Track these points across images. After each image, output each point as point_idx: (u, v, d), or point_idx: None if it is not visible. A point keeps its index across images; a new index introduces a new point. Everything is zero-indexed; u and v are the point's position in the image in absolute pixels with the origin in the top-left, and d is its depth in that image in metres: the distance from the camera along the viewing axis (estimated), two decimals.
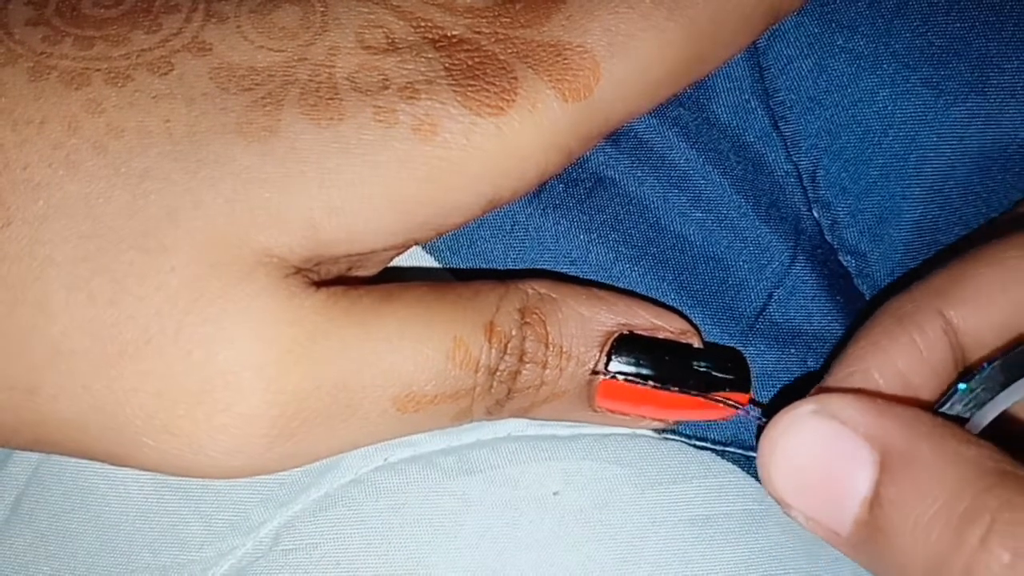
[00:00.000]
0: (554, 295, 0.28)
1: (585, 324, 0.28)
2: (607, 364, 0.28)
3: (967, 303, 0.27)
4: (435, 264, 0.31)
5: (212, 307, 0.24)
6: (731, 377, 0.29)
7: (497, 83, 0.25)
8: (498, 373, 0.27)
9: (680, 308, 0.31)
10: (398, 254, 0.28)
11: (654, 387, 0.28)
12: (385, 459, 0.30)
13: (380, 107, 0.25)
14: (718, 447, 0.31)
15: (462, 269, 0.31)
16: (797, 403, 0.26)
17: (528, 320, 0.27)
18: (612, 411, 0.28)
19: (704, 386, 0.28)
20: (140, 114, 0.24)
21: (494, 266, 0.31)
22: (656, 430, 0.30)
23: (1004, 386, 0.26)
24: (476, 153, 0.25)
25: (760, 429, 0.26)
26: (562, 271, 0.31)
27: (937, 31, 0.31)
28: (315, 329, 0.25)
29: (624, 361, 0.28)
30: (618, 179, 0.31)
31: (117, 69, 0.25)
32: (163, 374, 0.24)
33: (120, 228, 0.24)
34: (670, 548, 0.30)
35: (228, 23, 0.26)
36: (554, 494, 0.30)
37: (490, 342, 0.26)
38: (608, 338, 0.28)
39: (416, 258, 0.31)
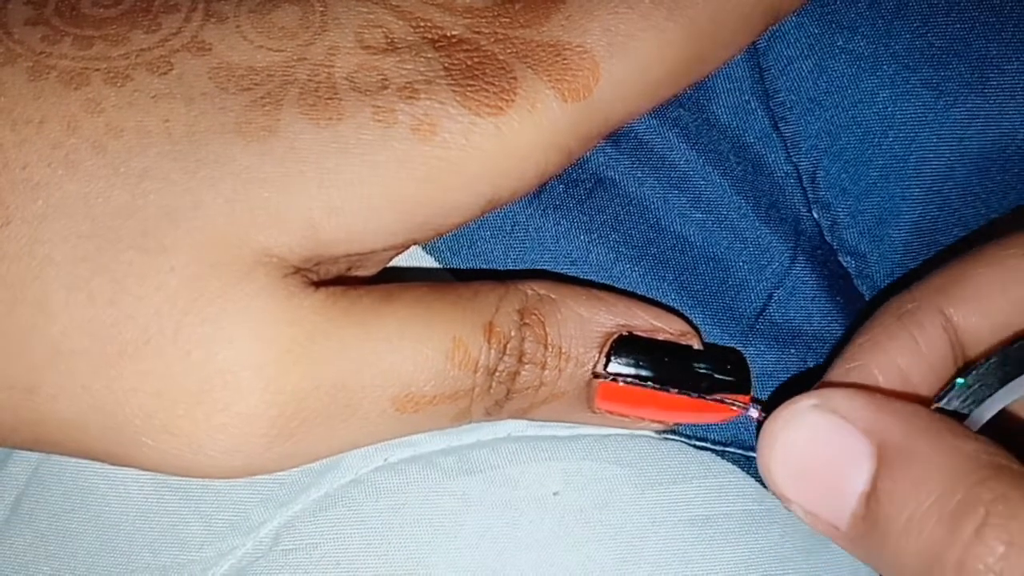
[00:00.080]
0: (553, 296, 0.28)
1: (584, 325, 0.28)
2: (606, 365, 0.28)
3: (967, 302, 0.27)
4: (435, 264, 0.31)
5: (211, 307, 0.24)
6: (731, 378, 0.29)
7: (496, 83, 0.25)
8: (497, 374, 0.27)
9: (680, 308, 0.31)
10: (397, 254, 0.28)
11: (653, 389, 0.28)
12: (385, 459, 0.30)
13: (379, 107, 0.25)
14: (718, 447, 0.31)
15: (462, 269, 0.31)
16: (797, 397, 0.26)
17: (527, 321, 0.27)
18: (611, 412, 0.28)
19: (704, 387, 0.28)
20: (139, 114, 0.24)
21: (494, 267, 0.31)
22: (656, 430, 0.30)
23: (1002, 381, 0.26)
24: (475, 153, 0.25)
25: (760, 425, 0.27)
26: (562, 272, 0.31)
27: (937, 32, 0.31)
28: (314, 329, 0.25)
29: (623, 362, 0.28)
30: (618, 180, 0.31)
31: (116, 69, 0.25)
32: (162, 374, 0.24)
33: (119, 228, 0.24)
34: (670, 548, 0.30)
35: (227, 23, 0.26)
36: (554, 494, 0.30)
37: (489, 343, 0.26)
38: (607, 339, 0.28)
39: (416, 258, 0.31)
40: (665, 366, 0.28)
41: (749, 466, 0.31)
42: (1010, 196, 0.31)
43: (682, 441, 0.31)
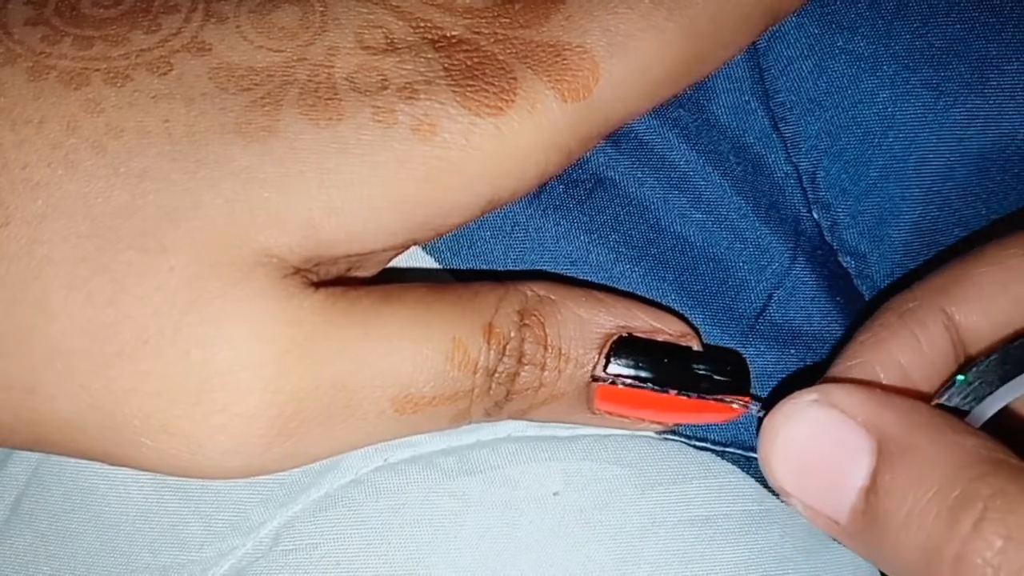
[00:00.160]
0: (553, 297, 0.28)
1: (584, 326, 0.28)
2: (606, 366, 0.28)
3: (969, 301, 0.27)
4: (435, 265, 0.31)
5: (211, 307, 0.24)
6: (730, 379, 0.29)
7: (496, 83, 0.25)
8: (496, 375, 0.27)
9: (680, 309, 0.31)
10: (397, 254, 0.28)
11: (653, 390, 0.28)
12: (385, 459, 0.30)
13: (379, 107, 0.25)
14: (718, 448, 0.31)
15: (462, 270, 0.31)
16: (798, 392, 0.26)
17: (527, 322, 0.27)
18: (611, 413, 0.28)
19: (703, 388, 0.28)
20: (139, 114, 0.24)
21: (494, 267, 0.31)
22: (656, 431, 0.30)
23: (1003, 379, 0.26)
24: (475, 153, 0.25)
25: (761, 422, 0.27)
26: (562, 272, 0.31)
27: (937, 33, 0.31)
28: (314, 329, 0.25)
29: (623, 364, 0.28)
30: (618, 180, 0.31)
31: (116, 69, 0.25)
32: (161, 374, 0.24)
33: (119, 228, 0.24)
34: (670, 548, 0.30)
35: (227, 23, 0.26)
36: (554, 494, 0.30)
37: (489, 343, 0.26)
38: (607, 340, 0.28)
39: (416, 259, 0.31)
40: (665, 367, 0.28)
41: (749, 466, 0.31)
42: (1010, 196, 0.31)
43: (682, 441, 0.31)
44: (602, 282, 0.31)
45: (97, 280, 0.24)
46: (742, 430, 0.30)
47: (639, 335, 0.28)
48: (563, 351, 0.27)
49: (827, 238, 0.32)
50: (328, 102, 0.25)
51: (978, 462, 0.23)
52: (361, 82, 0.25)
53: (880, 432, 0.25)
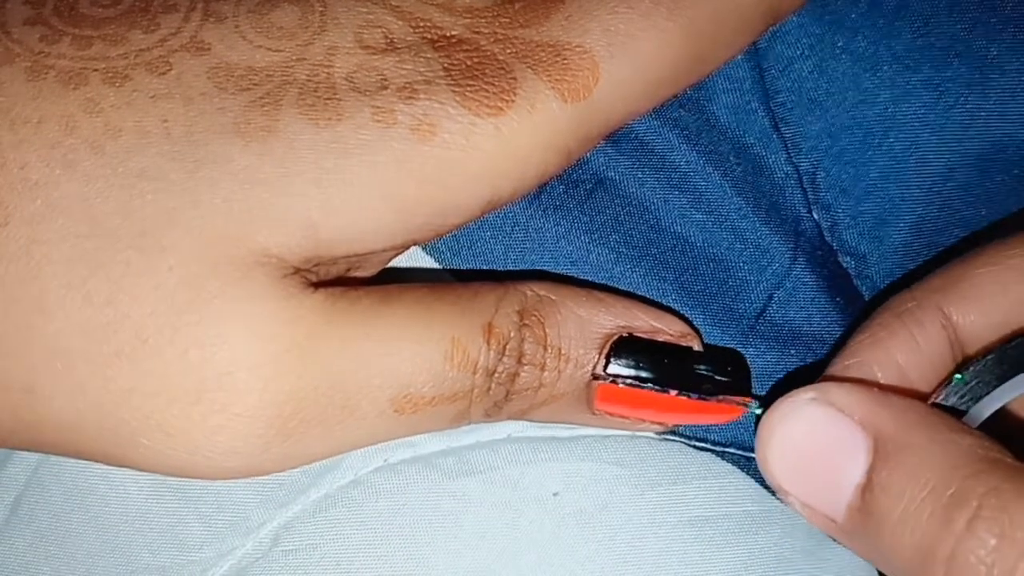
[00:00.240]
0: (553, 297, 0.28)
1: (584, 326, 0.28)
2: (606, 367, 0.28)
3: (967, 301, 0.27)
4: (435, 265, 0.31)
5: (209, 307, 0.24)
6: (731, 380, 0.29)
7: (496, 83, 0.25)
8: (496, 375, 0.27)
9: (680, 309, 0.31)
10: (397, 255, 0.28)
11: (653, 390, 0.28)
12: (385, 460, 0.30)
13: (379, 107, 0.25)
14: (718, 448, 0.31)
15: (462, 270, 0.31)
16: (796, 391, 0.26)
17: (527, 322, 0.27)
18: (611, 414, 0.28)
19: (704, 389, 0.28)
20: (138, 114, 0.24)
21: (494, 267, 0.31)
22: (656, 431, 0.30)
23: (1000, 379, 0.26)
24: (475, 153, 0.25)
25: (759, 420, 0.27)
26: (563, 272, 0.31)
27: (938, 32, 0.31)
28: (313, 330, 0.25)
29: (623, 364, 0.28)
30: (619, 180, 0.31)
31: (115, 69, 0.25)
32: (160, 374, 0.24)
33: (117, 228, 0.24)
34: (670, 549, 0.30)
35: (226, 23, 0.26)
36: (554, 495, 0.30)
37: (488, 344, 0.26)
38: (607, 340, 0.28)
39: (416, 259, 0.31)
40: (665, 367, 0.28)
41: (749, 467, 0.31)
42: (1011, 197, 0.31)
43: (682, 442, 0.31)
44: (602, 282, 0.31)
45: (95, 280, 0.24)
46: (742, 431, 0.30)
47: (639, 335, 0.28)
48: (563, 351, 0.27)
49: (827, 238, 0.32)
50: (327, 102, 0.25)
51: (973, 461, 0.23)
52: (361, 82, 0.25)
53: (877, 430, 0.25)
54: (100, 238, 0.24)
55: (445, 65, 0.26)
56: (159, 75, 0.25)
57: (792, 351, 0.31)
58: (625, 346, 0.28)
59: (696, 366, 0.29)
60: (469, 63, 0.26)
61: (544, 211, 0.31)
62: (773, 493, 0.30)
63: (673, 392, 0.28)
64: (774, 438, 0.26)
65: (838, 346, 0.29)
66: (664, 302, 0.31)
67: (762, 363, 0.31)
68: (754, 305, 0.31)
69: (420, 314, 0.26)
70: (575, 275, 0.31)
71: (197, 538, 0.30)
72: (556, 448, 0.30)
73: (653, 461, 0.30)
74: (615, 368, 0.28)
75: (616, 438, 0.30)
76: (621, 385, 0.28)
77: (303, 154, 0.24)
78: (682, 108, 0.31)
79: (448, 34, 0.26)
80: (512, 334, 0.27)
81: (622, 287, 0.31)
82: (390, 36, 0.26)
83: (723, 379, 0.29)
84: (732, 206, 0.31)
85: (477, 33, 0.26)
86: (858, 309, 0.31)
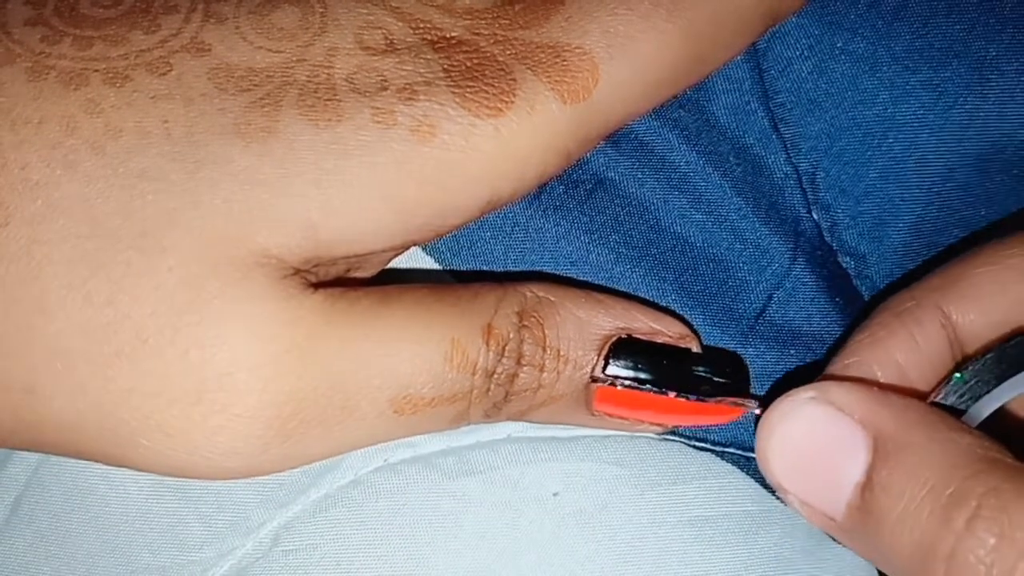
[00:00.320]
0: (552, 298, 0.28)
1: (583, 327, 0.28)
2: (605, 368, 0.28)
3: (966, 300, 0.27)
4: (435, 266, 0.31)
5: (210, 307, 0.24)
6: (730, 381, 0.29)
7: (496, 84, 0.25)
8: (495, 376, 0.27)
9: (680, 309, 0.31)
10: (396, 255, 0.28)
11: (652, 391, 0.28)
12: (385, 460, 0.30)
13: (378, 108, 0.25)
14: (718, 448, 0.31)
15: (462, 271, 0.31)
16: (796, 390, 0.26)
17: (526, 323, 0.27)
18: (610, 415, 0.28)
19: (703, 390, 0.28)
20: (138, 114, 0.24)
21: (494, 267, 0.31)
22: (655, 432, 0.30)
23: (1000, 378, 0.26)
24: (475, 154, 0.25)
25: (758, 420, 0.27)
26: (563, 272, 0.31)
27: (937, 33, 0.31)
28: (313, 330, 0.25)
29: (622, 365, 0.28)
30: (619, 181, 0.31)
31: (115, 69, 0.25)
32: (160, 374, 0.24)
33: (118, 228, 0.24)
34: (669, 549, 0.30)
35: (227, 23, 0.26)
36: (554, 495, 0.30)
37: (488, 345, 0.26)
38: (606, 342, 0.28)
39: (416, 259, 0.31)
40: (664, 369, 0.28)
41: (749, 467, 0.31)
42: (1010, 197, 0.31)
43: (682, 442, 0.31)
44: (602, 282, 0.31)
45: (96, 280, 0.24)
46: (742, 431, 0.30)
47: (638, 336, 0.28)
48: (562, 352, 0.27)
49: (827, 239, 0.32)
50: (327, 103, 0.25)
51: (972, 460, 0.23)
52: (361, 83, 0.25)
53: (876, 429, 0.25)
54: (101, 238, 0.24)
55: (445, 66, 0.26)
56: (160, 76, 0.25)
57: (792, 351, 0.31)
58: (624, 347, 0.28)
59: (695, 367, 0.29)
60: (469, 64, 0.26)
61: (544, 211, 0.31)
62: (773, 493, 0.30)
63: (672, 394, 0.28)
64: (774, 437, 0.26)
65: (838, 346, 0.29)
66: (664, 302, 0.31)
67: (762, 363, 0.31)
68: (754, 305, 0.31)
69: (420, 315, 0.26)
70: (575, 275, 0.31)
71: (197, 538, 0.30)
72: (556, 448, 0.30)
73: (653, 461, 0.30)
74: (614, 369, 0.28)
75: (616, 438, 0.30)
76: (620, 386, 0.28)
77: (303, 155, 0.24)
78: (682, 108, 0.31)
79: (448, 35, 0.26)
80: (511, 335, 0.27)
81: (622, 287, 0.31)
82: (390, 37, 0.26)
83: (722, 380, 0.29)
84: (732, 206, 0.31)
85: (477, 34, 0.26)
86: (858, 309, 0.31)
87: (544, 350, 0.27)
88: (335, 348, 0.25)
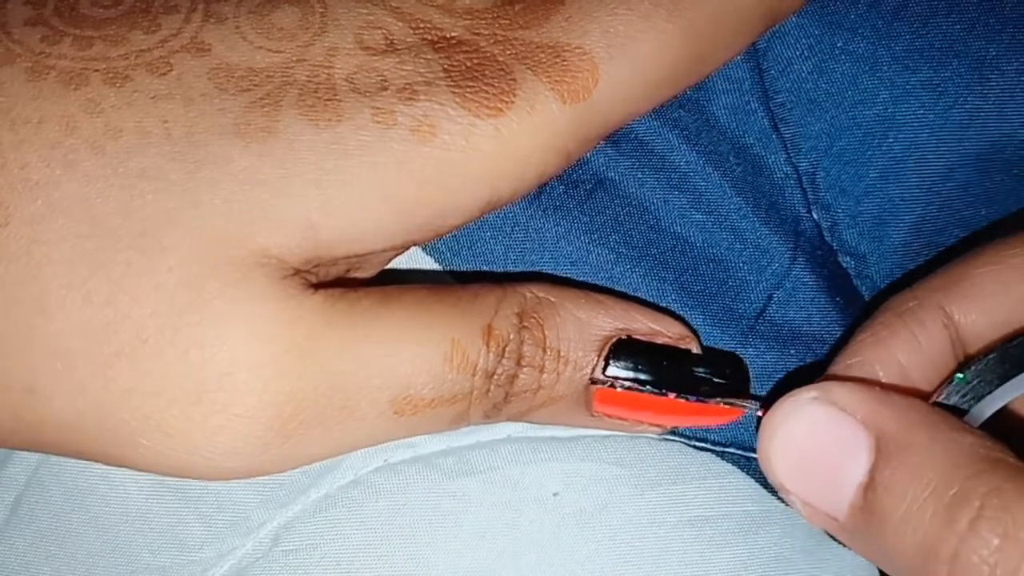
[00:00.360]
0: (552, 299, 0.28)
1: (583, 328, 0.28)
2: (604, 369, 0.28)
3: (969, 300, 0.27)
4: (435, 266, 0.31)
5: (210, 307, 0.24)
6: (729, 382, 0.29)
7: (496, 84, 0.25)
8: (495, 377, 0.27)
9: (680, 309, 0.31)
10: (397, 255, 0.28)
11: (652, 392, 0.28)
12: (385, 460, 0.30)
13: (379, 108, 0.25)
14: (718, 448, 0.31)
15: (462, 271, 0.31)
16: (798, 390, 0.26)
17: (526, 324, 0.27)
18: (610, 416, 0.28)
19: (702, 391, 0.28)
20: (138, 114, 0.24)
21: (494, 268, 0.31)
22: (655, 433, 0.30)
23: (1002, 378, 0.26)
24: (475, 154, 0.25)
25: (760, 421, 0.27)
26: (563, 272, 0.31)
27: (937, 33, 0.31)
28: (313, 331, 0.25)
29: (622, 366, 0.28)
30: (619, 181, 0.31)
31: (116, 69, 0.25)
32: (160, 374, 0.24)
33: (118, 228, 0.24)
34: (669, 549, 0.30)
35: (227, 23, 0.26)
36: (554, 495, 0.30)
37: (488, 345, 0.26)
38: (606, 343, 0.28)
39: (416, 259, 0.31)
40: (663, 370, 0.28)
41: (749, 467, 0.31)
42: (1011, 197, 0.31)
43: (682, 442, 0.31)
44: (602, 282, 0.31)
45: (96, 280, 0.24)
46: (742, 431, 0.30)
47: (638, 337, 0.28)
48: (562, 353, 0.27)
49: (827, 238, 0.32)
50: (328, 103, 0.25)
51: (975, 460, 0.23)
52: (361, 83, 0.25)
53: (879, 429, 0.25)
54: (100, 238, 0.24)
55: (445, 66, 0.26)
56: (160, 76, 0.25)
57: (792, 351, 0.31)
58: (624, 348, 0.28)
59: (694, 368, 0.29)
60: (469, 64, 0.26)
61: (544, 211, 0.31)
62: (773, 493, 0.30)
63: (671, 395, 0.28)
64: (776, 437, 0.26)
65: (839, 346, 0.29)
66: (664, 302, 0.31)
67: (762, 363, 0.31)
68: (754, 305, 0.31)
69: (420, 315, 0.26)
70: (575, 275, 0.31)
71: (197, 538, 0.30)
72: (556, 448, 0.30)
73: (653, 461, 0.30)
74: (614, 370, 0.28)
75: (616, 438, 0.30)
76: (619, 388, 0.28)
77: (303, 155, 0.24)
78: (682, 108, 0.31)
79: (448, 35, 0.26)
80: (511, 336, 0.27)
81: (622, 287, 0.31)
82: (390, 37, 0.26)
83: (721, 381, 0.29)
84: (732, 206, 0.31)
85: (477, 34, 0.26)
86: (858, 309, 0.31)
87: (544, 351, 0.27)
88: (335, 348, 0.25)
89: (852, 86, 0.31)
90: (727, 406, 0.28)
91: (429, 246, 0.31)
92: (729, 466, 0.31)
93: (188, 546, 0.30)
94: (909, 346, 0.27)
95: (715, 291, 0.31)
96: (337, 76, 0.25)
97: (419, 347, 0.26)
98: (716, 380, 0.28)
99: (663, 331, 0.29)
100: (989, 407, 0.27)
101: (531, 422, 0.29)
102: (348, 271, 0.27)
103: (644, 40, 0.26)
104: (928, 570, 0.23)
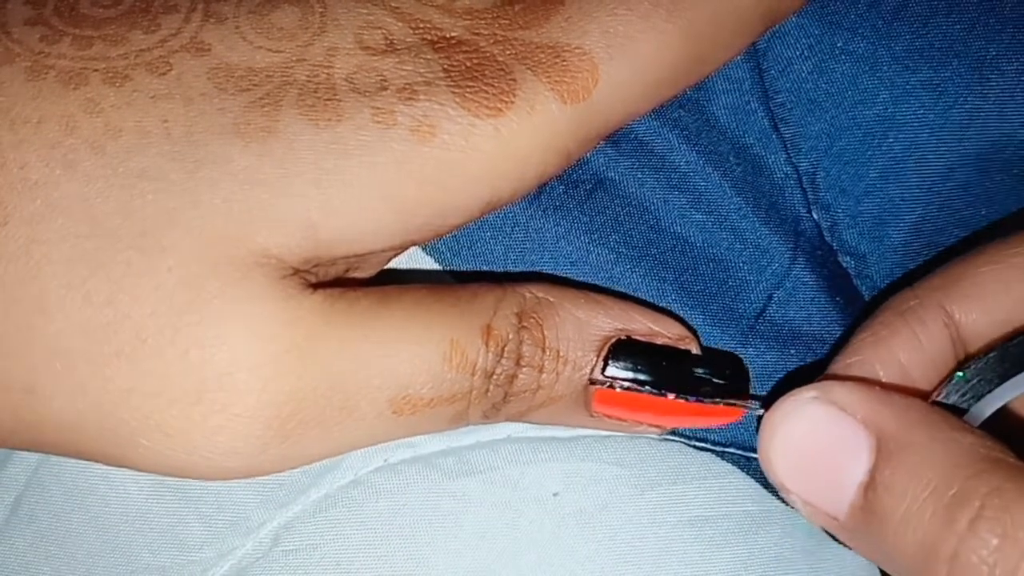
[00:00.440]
0: (552, 299, 0.28)
1: (582, 328, 0.28)
2: (604, 369, 0.28)
3: (969, 299, 0.27)
4: (435, 266, 0.31)
5: (209, 307, 0.24)
6: (729, 383, 0.29)
7: (496, 85, 0.25)
8: (494, 377, 0.27)
9: (680, 309, 0.31)
10: (396, 255, 0.28)
11: (651, 393, 0.28)
12: (385, 460, 0.30)
13: (378, 108, 0.25)
14: (718, 448, 0.31)
15: (462, 271, 0.31)
16: (798, 389, 0.26)
17: (525, 324, 0.27)
18: (609, 416, 0.28)
19: (702, 392, 0.28)
20: (138, 114, 0.24)
21: (494, 267, 0.31)
22: (655, 434, 0.30)
23: (1002, 377, 0.26)
24: (475, 154, 0.25)
25: (760, 420, 0.27)
26: (563, 272, 0.31)
27: (937, 33, 0.31)
28: (312, 330, 0.25)
29: (621, 367, 0.28)
30: (619, 181, 0.31)
31: (115, 69, 0.25)
32: (160, 374, 0.24)
33: (118, 228, 0.24)
34: (670, 549, 0.30)
35: (227, 23, 0.26)
36: (554, 495, 0.30)
37: (487, 345, 0.26)
38: (605, 343, 0.28)
39: (416, 259, 0.31)
40: (663, 370, 0.28)
41: (749, 467, 0.31)
42: (1011, 197, 0.31)
43: (682, 442, 0.31)
44: (602, 282, 0.31)
45: (95, 280, 0.24)
46: (742, 431, 0.30)
47: (637, 338, 0.28)
48: (561, 353, 0.27)
49: (827, 238, 0.32)
50: (327, 103, 0.25)
51: (975, 460, 0.23)
52: (360, 83, 0.25)
53: (879, 429, 0.25)
54: (100, 238, 0.24)
55: (445, 66, 0.26)
56: (159, 75, 0.25)
57: (792, 351, 0.31)
58: (623, 349, 0.28)
59: (694, 369, 0.28)
60: (469, 64, 0.26)
61: (544, 211, 0.31)
62: (774, 492, 0.30)
63: (671, 395, 0.28)
64: (776, 437, 0.26)
65: (839, 345, 0.29)
66: (664, 302, 0.31)
67: (762, 363, 0.31)
68: (754, 305, 0.31)
69: (419, 315, 0.26)
70: (575, 275, 0.31)
71: (197, 538, 0.30)
72: (556, 448, 0.30)
73: (653, 461, 0.30)
74: (613, 371, 0.28)
75: (616, 438, 0.30)
76: (619, 388, 0.28)
77: (303, 155, 0.24)
78: (682, 108, 0.31)
79: (448, 35, 0.26)
80: (510, 336, 0.27)
81: (622, 287, 0.31)
82: (390, 37, 0.26)
83: (721, 382, 0.29)
84: (732, 206, 0.31)
85: (477, 35, 0.26)
86: (858, 309, 0.31)
87: (543, 351, 0.27)
88: (334, 348, 0.25)
89: (852, 86, 0.31)
90: (727, 406, 0.28)
91: (429, 246, 0.31)
92: (729, 466, 0.31)
93: (188, 546, 0.30)
94: (910, 345, 0.27)
95: (715, 291, 0.31)
96: (337, 76, 0.25)
97: (418, 347, 0.26)
98: (716, 381, 0.28)
99: (662, 331, 0.29)
100: (989, 406, 0.27)
101: (530, 422, 0.29)
102: (347, 271, 0.27)
103: (644, 40, 0.26)
104: (928, 570, 0.23)
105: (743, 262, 0.31)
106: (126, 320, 0.24)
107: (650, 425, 0.29)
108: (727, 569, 0.30)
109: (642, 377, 0.28)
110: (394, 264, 0.29)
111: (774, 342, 0.31)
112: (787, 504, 0.27)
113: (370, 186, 0.25)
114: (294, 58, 0.25)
